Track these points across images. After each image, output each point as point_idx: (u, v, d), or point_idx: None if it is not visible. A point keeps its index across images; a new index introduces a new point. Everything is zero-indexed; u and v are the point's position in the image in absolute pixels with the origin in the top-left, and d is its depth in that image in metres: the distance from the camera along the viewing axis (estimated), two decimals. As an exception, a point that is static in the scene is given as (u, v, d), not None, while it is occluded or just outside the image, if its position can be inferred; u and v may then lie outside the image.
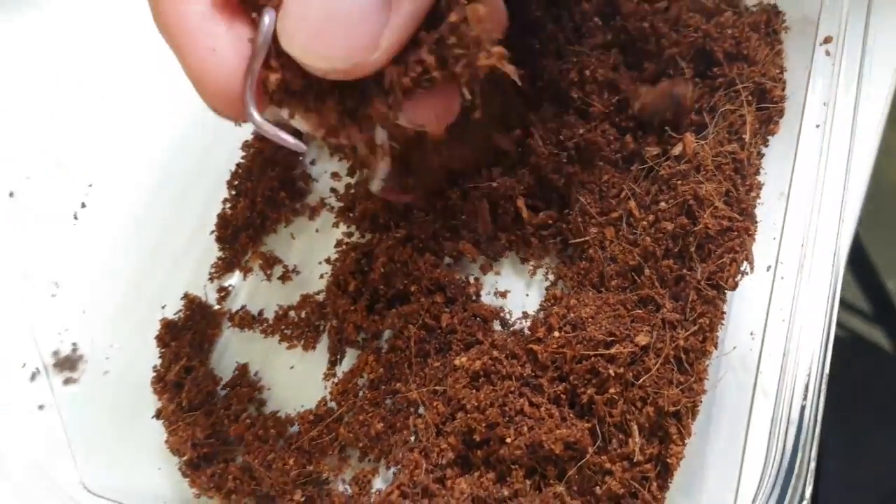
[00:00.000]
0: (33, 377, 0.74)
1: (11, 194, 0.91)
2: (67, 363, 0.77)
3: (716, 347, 0.66)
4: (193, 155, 0.83)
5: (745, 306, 0.69)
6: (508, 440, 0.64)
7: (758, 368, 0.64)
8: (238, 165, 0.83)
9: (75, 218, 0.74)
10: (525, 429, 0.64)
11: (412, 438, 0.70)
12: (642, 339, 0.65)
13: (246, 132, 0.85)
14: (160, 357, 0.77)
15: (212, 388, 0.75)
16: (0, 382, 0.72)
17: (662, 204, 0.69)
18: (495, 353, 0.69)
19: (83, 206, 0.75)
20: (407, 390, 0.71)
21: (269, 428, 0.72)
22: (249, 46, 0.51)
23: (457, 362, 0.70)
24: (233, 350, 0.80)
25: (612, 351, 0.64)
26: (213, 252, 0.83)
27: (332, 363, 0.76)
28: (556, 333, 0.67)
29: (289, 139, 0.54)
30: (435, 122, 0.59)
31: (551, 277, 0.76)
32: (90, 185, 0.75)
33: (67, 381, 0.76)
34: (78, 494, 0.65)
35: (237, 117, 0.54)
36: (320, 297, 0.79)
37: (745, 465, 0.65)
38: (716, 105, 0.72)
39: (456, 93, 0.56)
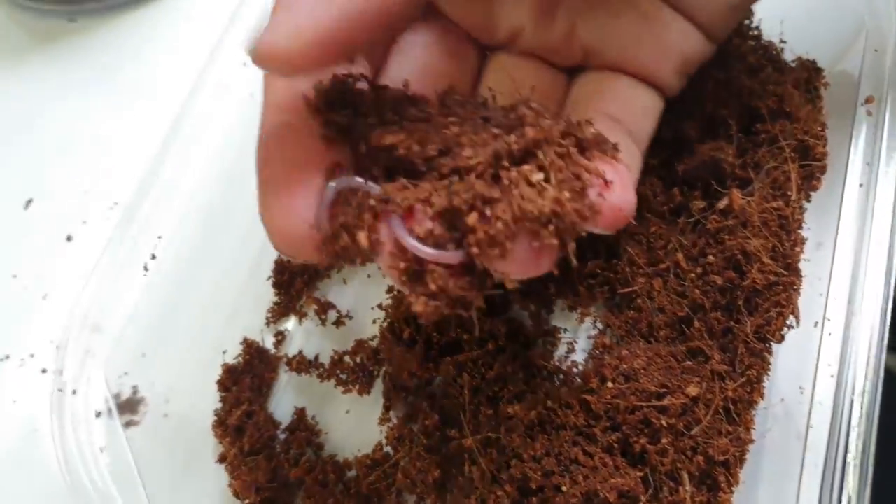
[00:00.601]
0: (98, 415, 0.76)
1: (69, 238, 0.95)
2: (128, 406, 0.80)
3: (762, 398, 0.68)
4: (249, 202, 0.86)
5: (790, 358, 0.71)
6: (564, 488, 0.66)
7: (808, 422, 0.66)
8: (293, 214, 0.86)
9: (146, 269, 0.77)
10: (580, 477, 0.66)
11: (468, 485, 0.72)
12: (693, 391, 0.67)
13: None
14: (221, 401, 0.80)
15: (272, 432, 0.77)
16: (67, 422, 0.74)
17: (710, 257, 0.72)
18: (549, 402, 0.72)
19: (153, 257, 0.78)
20: (462, 437, 0.73)
21: (328, 472, 0.75)
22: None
23: (510, 410, 0.72)
24: (290, 394, 0.82)
25: (665, 402, 0.66)
26: (268, 297, 0.85)
27: (387, 408, 0.78)
28: (610, 384, 0.69)
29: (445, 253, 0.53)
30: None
31: (599, 325, 0.78)
32: (159, 237, 0.78)
33: (129, 424, 0.79)
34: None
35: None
36: (374, 343, 0.81)
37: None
38: (759, 161, 0.74)
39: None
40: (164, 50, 1.05)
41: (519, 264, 0.51)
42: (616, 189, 0.52)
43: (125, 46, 1.06)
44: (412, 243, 0.50)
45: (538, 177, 0.51)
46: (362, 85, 0.57)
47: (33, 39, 1.08)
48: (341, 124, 0.54)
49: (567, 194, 0.50)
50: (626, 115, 0.67)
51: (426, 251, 0.50)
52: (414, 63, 0.64)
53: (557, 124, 0.53)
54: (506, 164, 0.51)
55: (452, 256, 0.51)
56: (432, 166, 0.52)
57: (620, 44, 0.67)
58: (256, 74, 0.85)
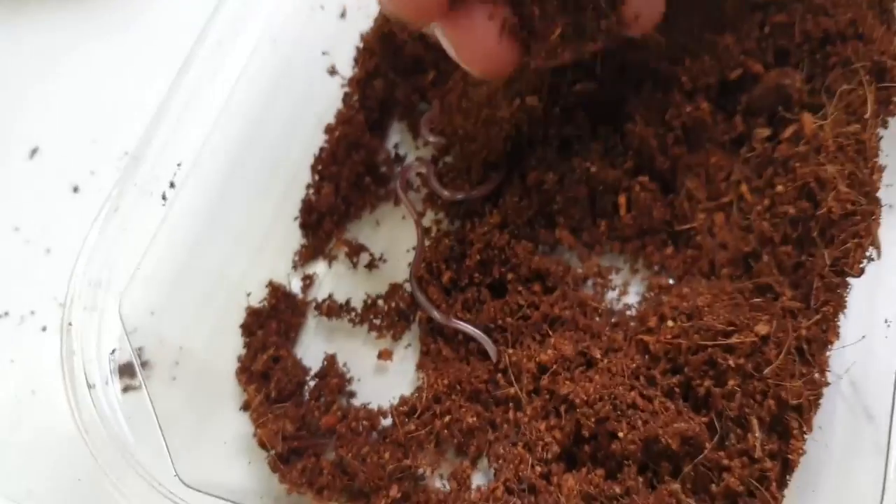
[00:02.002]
0: (120, 370, 0.70)
1: (76, 189, 0.89)
2: (143, 355, 0.74)
3: (837, 337, 0.63)
4: (273, 138, 0.80)
5: (865, 295, 0.65)
6: (621, 434, 0.61)
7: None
8: (322, 150, 0.81)
9: (164, 199, 0.71)
10: (639, 423, 0.61)
11: (514, 433, 0.66)
12: (762, 329, 0.61)
13: (327, 115, 0.82)
14: (245, 346, 0.74)
15: (300, 378, 0.72)
16: (88, 369, 0.69)
17: (779, 187, 0.66)
18: (599, 343, 0.66)
19: (171, 185, 0.72)
20: (506, 383, 0.68)
21: (362, 420, 0.69)
22: None
23: (550, 353, 0.67)
24: (319, 340, 0.77)
25: (732, 341, 0.61)
26: (295, 239, 0.80)
27: (424, 353, 0.73)
28: (670, 323, 0.63)
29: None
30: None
31: (655, 267, 0.72)
32: (178, 165, 0.72)
33: (145, 371, 0.73)
34: (176, 489, 0.62)
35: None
36: (409, 286, 0.75)
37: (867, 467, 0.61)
38: (831, 86, 0.68)
39: None
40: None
41: None
42: None
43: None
44: None
45: None
46: None
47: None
48: None
49: None
50: None
51: None
52: None
53: None
54: None
55: None
56: None
57: None
58: (275, 8, 0.81)
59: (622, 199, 0.73)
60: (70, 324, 0.66)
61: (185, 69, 0.75)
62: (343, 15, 0.84)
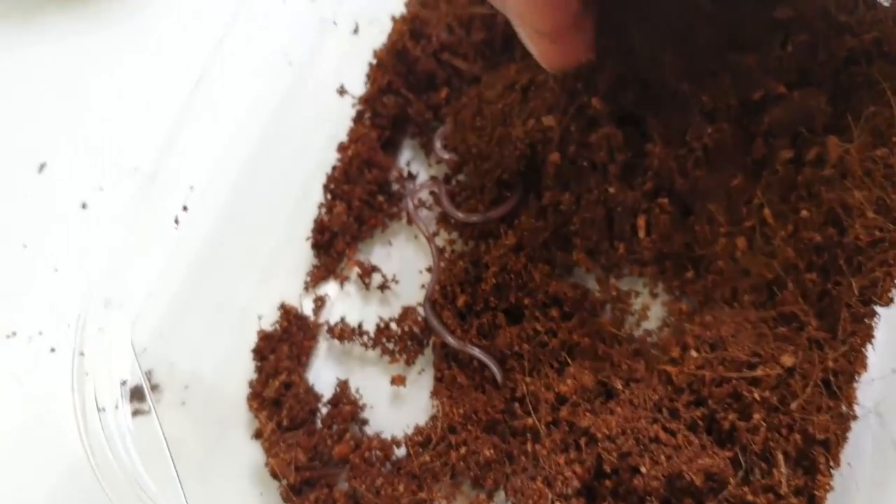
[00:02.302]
0: (130, 394, 0.69)
1: (84, 206, 0.88)
2: (154, 380, 0.73)
3: (865, 369, 0.61)
4: (287, 155, 0.79)
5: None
6: (643, 470, 0.59)
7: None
8: (334, 168, 0.79)
9: (176, 222, 0.70)
10: (662, 458, 0.59)
11: (532, 466, 0.65)
12: (788, 360, 0.59)
13: (341, 134, 0.81)
14: (256, 371, 0.73)
15: (313, 405, 0.71)
16: (98, 392, 0.67)
17: (804, 212, 0.64)
18: (620, 372, 0.65)
19: (185, 209, 0.71)
20: (524, 413, 0.66)
21: (375, 450, 0.68)
22: None
23: (569, 383, 0.65)
24: (330, 364, 0.75)
25: (757, 373, 0.59)
26: (307, 259, 0.79)
27: (439, 380, 0.71)
28: (694, 353, 0.62)
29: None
30: None
31: (675, 292, 0.71)
32: (191, 188, 0.71)
33: (155, 397, 0.72)
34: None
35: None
36: (423, 311, 0.74)
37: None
38: (856, 106, 0.66)
39: None
40: (189, 12, 0.98)
41: None
42: None
43: (151, 7, 0.99)
44: None
45: None
46: None
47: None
48: None
49: None
50: None
51: None
52: None
53: None
54: None
55: None
56: None
57: None
58: (287, 25, 0.79)
59: (641, 222, 0.71)
60: (82, 353, 0.64)
61: (197, 85, 0.74)
62: (356, 31, 0.82)
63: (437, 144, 0.78)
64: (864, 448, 0.62)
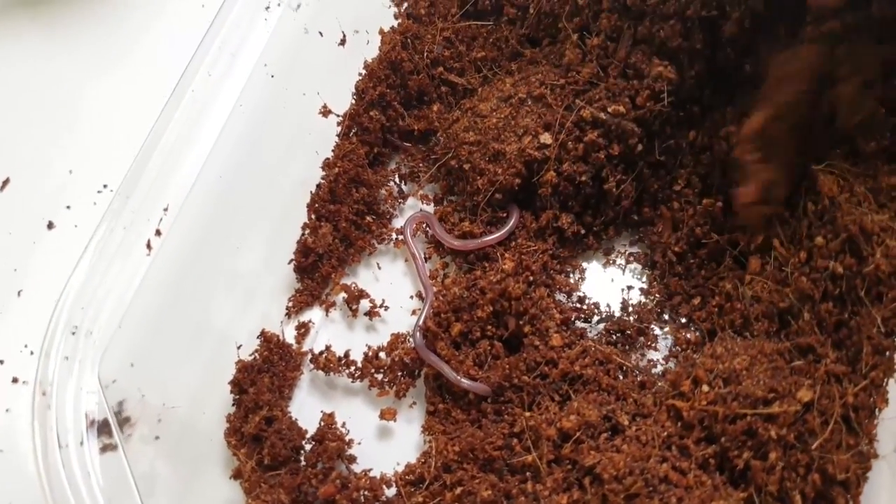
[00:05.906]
0: (95, 426, 0.64)
1: (50, 225, 0.83)
2: (122, 416, 0.67)
3: (887, 404, 0.58)
4: (265, 174, 0.74)
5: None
6: (653, 513, 0.55)
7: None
8: (319, 186, 0.75)
9: (148, 248, 0.65)
10: (672, 499, 0.55)
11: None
12: (805, 395, 0.56)
13: (324, 149, 0.76)
14: (234, 405, 0.68)
15: (296, 441, 0.66)
16: (60, 427, 0.62)
17: (819, 239, 0.61)
18: (626, 406, 0.61)
19: (157, 233, 0.66)
20: (523, 450, 0.62)
21: (363, 490, 0.63)
22: None
23: (573, 418, 0.61)
24: (315, 396, 0.71)
25: (773, 409, 0.55)
26: (290, 283, 0.74)
27: (431, 413, 0.67)
28: (706, 388, 0.58)
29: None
30: None
31: (682, 320, 0.67)
32: (165, 210, 0.66)
33: (124, 425, 0.67)
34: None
35: None
36: (412, 341, 0.69)
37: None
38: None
39: None
40: (166, 22, 0.93)
41: None
42: None
43: (126, 21, 0.94)
44: None
45: None
46: None
47: (22, 8, 0.95)
48: None
49: None
50: None
51: None
52: None
53: None
54: None
55: None
56: None
57: None
58: (266, 43, 0.75)
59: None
60: (43, 393, 0.60)
61: (171, 99, 0.69)
62: (343, 42, 0.78)
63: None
64: (884, 487, 0.59)
